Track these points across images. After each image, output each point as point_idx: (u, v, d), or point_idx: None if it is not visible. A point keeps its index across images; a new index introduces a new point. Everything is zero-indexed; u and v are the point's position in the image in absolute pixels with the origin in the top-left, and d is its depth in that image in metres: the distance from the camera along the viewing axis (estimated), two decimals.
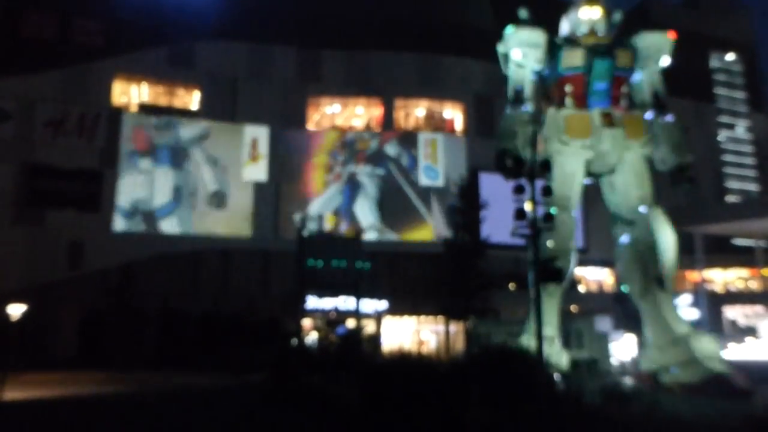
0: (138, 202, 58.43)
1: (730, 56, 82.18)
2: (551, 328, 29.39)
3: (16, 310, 39.53)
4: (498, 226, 39.13)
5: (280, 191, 62.00)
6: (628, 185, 31.41)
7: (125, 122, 59.13)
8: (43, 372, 41.21)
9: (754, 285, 62.07)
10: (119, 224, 57.45)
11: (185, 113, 61.38)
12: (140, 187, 58.77)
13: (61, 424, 21.62)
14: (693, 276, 59.15)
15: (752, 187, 78.44)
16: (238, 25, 62.46)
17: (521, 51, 31.86)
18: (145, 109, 60.15)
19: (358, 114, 66.64)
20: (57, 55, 56.80)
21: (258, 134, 63.14)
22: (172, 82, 61.58)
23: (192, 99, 62.24)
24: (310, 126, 64.57)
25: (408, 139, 64.97)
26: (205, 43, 61.91)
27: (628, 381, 28.40)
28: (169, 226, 58.97)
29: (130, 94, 60.84)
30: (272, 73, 63.64)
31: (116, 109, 58.95)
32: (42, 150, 55.41)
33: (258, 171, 62.55)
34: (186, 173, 60.50)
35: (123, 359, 41.47)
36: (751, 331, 50.87)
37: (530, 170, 20.83)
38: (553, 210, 21.28)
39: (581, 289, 64.47)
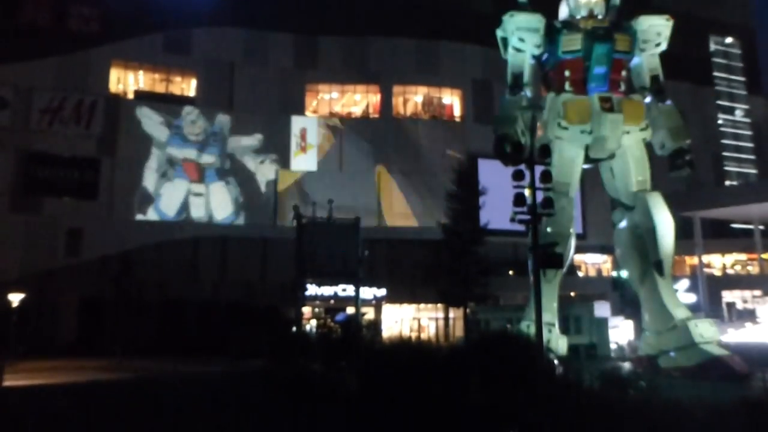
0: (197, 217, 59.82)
1: (729, 40, 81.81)
2: (550, 313, 29.43)
3: (14, 298, 39.70)
4: (497, 212, 39.09)
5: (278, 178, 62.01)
6: (627, 170, 31.37)
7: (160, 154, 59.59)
8: (43, 359, 41.31)
9: (753, 269, 62.18)
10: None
11: (182, 100, 61.05)
12: (197, 207, 59.81)
13: (60, 411, 21.68)
14: (692, 260, 59.28)
15: (751, 170, 78.41)
16: (234, 11, 61.98)
17: (520, 36, 31.66)
18: (142, 96, 59.78)
19: (356, 100, 66.35)
20: (53, 41, 56.36)
21: (306, 124, 63.34)
22: (168, 68, 61.22)
23: (189, 86, 61.91)
24: (308, 113, 64.30)
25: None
26: (202, 30, 61.48)
27: (626, 365, 28.51)
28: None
29: (127, 81, 60.50)
30: (269, 59, 63.26)
31: (113, 96, 58.63)
32: (39, 137, 55.19)
33: (307, 161, 62.67)
34: (241, 181, 61.53)
35: (123, 346, 41.53)
36: (749, 314, 51.04)
37: (529, 156, 20.77)
38: (552, 195, 21.24)
39: (580, 274, 64.57)
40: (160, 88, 61.11)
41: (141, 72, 60.89)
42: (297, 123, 63.15)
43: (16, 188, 54.01)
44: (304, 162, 62.86)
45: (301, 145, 63.13)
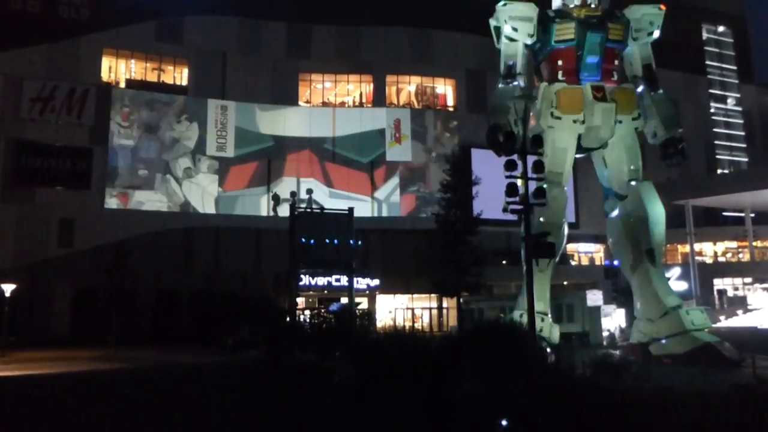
0: None
1: (721, 28, 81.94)
2: (543, 302, 29.61)
3: (6, 288, 39.61)
4: (490, 202, 39.12)
5: (271, 169, 61.93)
6: (620, 159, 31.49)
7: None
8: (36, 350, 41.32)
9: (744, 257, 62.60)
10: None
11: (174, 89, 60.70)
12: None
13: (54, 401, 21.70)
14: (684, 248, 59.61)
15: (742, 158, 78.83)
16: None
17: (513, 25, 31.59)
18: (134, 85, 59.39)
19: (349, 90, 66.16)
20: (43, 29, 55.75)
21: (400, 115, 63.85)
22: (160, 57, 60.80)
23: (181, 74, 61.53)
24: (302, 102, 64.10)
25: None
26: (194, 18, 61.02)
27: (618, 353, 28.75)
28: None
29: (119, 69, 60.05)
30: (262, 48, 62.94)
31: (105, 85, 58.24)
32: (30, 126, 54.78)
33: (403, 151, 62.84)
34: None
35: (116, 337, 41.52)
36: (740, 302, 51.46)
37: (522, 145, 20.78)
38: (544, 185, 21.27)
39: (573, 263, 64.83)
40: (152, 77, 60.70)
41: (133, 60, 60.42)
42: (391, 114, 63.94)
43: (8, 178, 53.64)
44: (398, 152, 63.15)
45: (395, 135, 63.53)
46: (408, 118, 64.33)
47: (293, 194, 58.59)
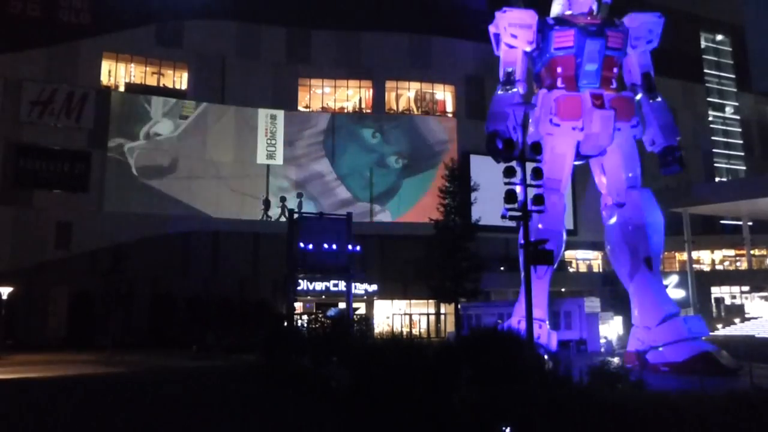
0: None
1: (720, 37, 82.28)
2: (541, 309, 29.61)
3: (3, 291, 39.56)
4: (489, 208, 39.22)
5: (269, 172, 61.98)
6: (618, 167, 31.57)
7: None
8: (33, 353, 41.19)
9: (742, 265, 62.60)
10: None
11: (174, 93, 60.71)
12: None
13: (51, 405, 21.64)
14: (681, 256, 59.63)
15: (740, 167, 79.01)
16: (227, 3, 61.67)
17: (512, 32, 31.72)
18: (133, 89, 59.39)
19: (348, 95, 66.25)
20: (43, 33, 55.75)
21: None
22: (160, 61, 60.84)
23: (181, 78, 61.53)
24: (301, 107, 64.16)
25: None
26: (194, 23, 61.07)
27: (615, 360, 28.75)
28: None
29: (118, 73, 60.04)
30: (262, 53, 63.00)
31: (104, 89, 58.25)
32: (29, 130, 54.73)
33: None
34: None
35: (113, 340, 41.40)
36: (738, 310, 51.46)
37: (521, 152, 20.86)
38: (543, 192, 21.32)
39: (571, 270, 64.82)
40: (151, 81, 60.72)
41: (132, 64, 60.43)
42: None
43: (6, 180, 53.50)
44: None
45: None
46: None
47: (283, 199, 59.01)
